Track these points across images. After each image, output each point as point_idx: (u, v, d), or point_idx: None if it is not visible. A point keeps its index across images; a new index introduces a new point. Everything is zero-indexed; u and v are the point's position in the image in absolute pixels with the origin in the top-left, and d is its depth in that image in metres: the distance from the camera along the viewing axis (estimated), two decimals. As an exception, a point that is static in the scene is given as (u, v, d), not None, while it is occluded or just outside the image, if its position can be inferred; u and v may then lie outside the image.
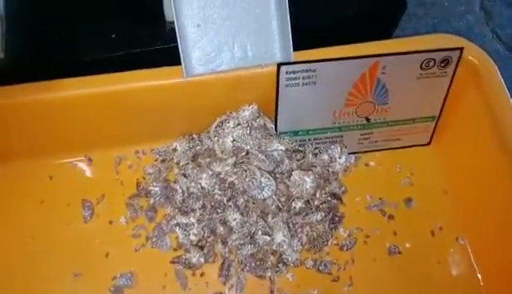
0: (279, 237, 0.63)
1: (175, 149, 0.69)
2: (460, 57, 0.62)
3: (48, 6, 0.66)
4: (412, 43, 0.62)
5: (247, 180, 0.62)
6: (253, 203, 0.64)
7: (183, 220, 0.64)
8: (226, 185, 0.64)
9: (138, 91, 0.62)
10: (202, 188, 0.64)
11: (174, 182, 0.67)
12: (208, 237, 0.64)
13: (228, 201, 0.64)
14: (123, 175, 0.69)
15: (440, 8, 0.84)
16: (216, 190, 0.64)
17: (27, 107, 0.62)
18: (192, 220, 0.64)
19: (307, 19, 0.67)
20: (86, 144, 0.69)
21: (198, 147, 0.68)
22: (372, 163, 0.72)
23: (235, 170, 0.63)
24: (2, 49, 0.63)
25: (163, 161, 0.69)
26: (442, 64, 0.63)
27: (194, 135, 0.69)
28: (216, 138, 0.65)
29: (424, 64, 0.62)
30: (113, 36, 0.64)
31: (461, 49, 0.62)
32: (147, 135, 0.70)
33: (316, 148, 0.70)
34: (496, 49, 0.84)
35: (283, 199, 0.64)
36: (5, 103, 0.61)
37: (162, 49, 0.64)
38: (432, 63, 0.62)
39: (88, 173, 0.69)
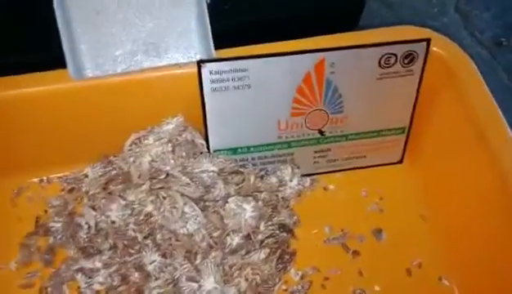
0: (209, 283, 0.49)
1: (86, 176, 0.56)
2: (427, 51, 0.51)
3: None
4: (367, 36, 0.51)
5: (166, 210, 0.49)
6: (177, 240, 0.50)
7: (87, 264, 0.50)
8: (142, 218, 0.50)
9: (31, 100, 0.50)
10: (112, 222, 0.51)
11: (81, 216, 0.53)
12: (119, 286, 0.50)
13: (145, 238, 0.50)
14: (21, 209, 0.56)
15: (409, 9, 0.73)
16: (130, 225, 0.51)
17: None
18: (98, 264, 0.50)
19: (244, 14, 0.55)
20: (-24, 172, 0.56)
21: (113, 172, 0.55)
22: (332, 187, 0.59)
23: (152, 198, 0.50)
24: None
25: (71, 190, 0.56)
26: (406, 61, 0.51)
27: (111, 158, 0.56)
28: (132, 159, 0.53)
29: (383, 61, 0.51)
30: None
31: (428, 40, 0.50)
32: (54, 160, 0.57)
33: (261, 169, 0.57)
34: (477, 52, 0.73)
35: (215, 234, 0.51)
36: None
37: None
38: (393, 59, 0.51)
39: (-22, 207, 0.56)
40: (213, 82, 0.49)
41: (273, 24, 0.59)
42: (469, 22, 0.78)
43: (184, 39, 0.48)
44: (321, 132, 0.55)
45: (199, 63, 0.47)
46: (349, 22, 0.63)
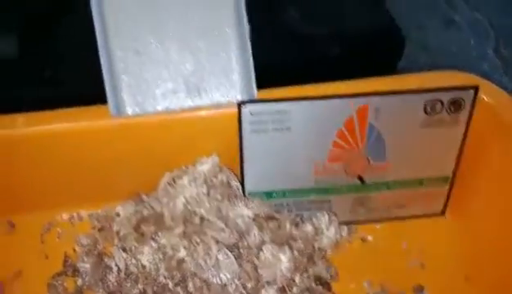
0: (241, 337, 0.46)
1: (118, 215, 0.54)
2: (474, 98, 0.49)
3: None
4: (412, 81, 0.49)
5: (199, 256, 0.47)
6: (209, 290, 0.47)
7: (115, 309, 0.48)
8: (174, 264, 0.48)
9: (68, 135, 0.50)
10: (143, 266, 0.49)
11: (110, 257, 0.51)
12: (146, 334, 0.47)
13: (176, 285, 0.48)
14: (49, 247, 0.55)
15: (446, 52, 0.72)
16: (161, 270, 0.48)
17: None
18: (126, 310, 0.48)
19: (288, 52, 0.55)
20: (8, 205, 0.55)
21: (145, 211, 0.53)
22: (370, 238, 0.56)
23: (185, 243, 0.48)
24: None
25: (101, 229, 0.55)
26: (453, 108, 0.49)
27: (143, 197, 0.55)
28: (165, 199, 0.51)
29: (428, 108, 0.49)
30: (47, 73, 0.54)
31: (476, 88, 0.48)
32: (86, 196, 0.56)
33: (296, 215, 0.55)
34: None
35: (249, 285, 0.48)
36: None
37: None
38: (439, 106, 0.49)
39: (7, 242, 0.55)
40: (252, 123, 0.48)
41: (312, 64, 0.58)
42: (510, 67, 0.76)
43: (225, 78, 0.47)
44: (360, 179, 0.53)
45: (240, 104, 0.46)
46: (388, 64, 0.63)
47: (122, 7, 0.44)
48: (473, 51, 0.74)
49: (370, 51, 0.57)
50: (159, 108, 0.47)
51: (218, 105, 0.48)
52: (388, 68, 0.59)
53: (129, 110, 0.46)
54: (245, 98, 0.47)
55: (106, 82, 0.45)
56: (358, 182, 0.53)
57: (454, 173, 0.54)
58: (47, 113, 0.50)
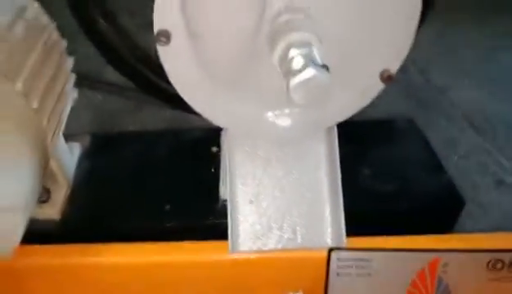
0: None
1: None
2: (532, 262, 0.56)
3: (109, 178, 0.71)
4: (477, 240, 0.58)
5: None
6: None
7: None
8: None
9: (181, 264, 0.60)
10: None
11: None
12: None
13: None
14: None
15: (499, 210, 0.81)
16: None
17: (80, 268, 0.60)
18: None
19: (361, 205, 0.66)
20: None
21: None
22: None
23: None
24: (60, 212, 0.66)
25: None
26: (513, 268, 0.57)
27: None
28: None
29: (490, 265, 0.56)
30: (167, 207, 0.66)
31: (533, 253, 0.56)
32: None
33: None
34: None
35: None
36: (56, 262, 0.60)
37: (213, 224, 0.64)
38: (499, 264, 0.56)
39: None
40: (339, 267, 0.56)
41: (377, 217, 0.68)
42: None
43: (319, 225, 0.57)
44: (430, 326, 0.59)
45: (330, 250, 0.56)
46: (447, 220, 0.72)
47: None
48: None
49: (433, 209, 0.67)
50: (265, 248, 0.57)
51: (310, 248, 0.58)
52: (448, 224, 0.68)
53: (242, 247, 0.56)
54: (335, 245, 0.57)
55: (230, 225, 0.56)
56: (427, 327, 0.59)
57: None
58: (165, 245, 0.60)
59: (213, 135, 0.70)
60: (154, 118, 1.00)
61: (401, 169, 0.70)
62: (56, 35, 0.61)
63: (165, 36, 0.44)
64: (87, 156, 0.74)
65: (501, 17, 1.28)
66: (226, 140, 0.59)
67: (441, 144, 0.84)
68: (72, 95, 0.64)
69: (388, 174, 0.69)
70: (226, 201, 0.61)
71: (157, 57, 0.46)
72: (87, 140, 0.76)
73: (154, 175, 0.71)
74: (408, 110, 1.02)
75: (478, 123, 1.01)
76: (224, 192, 0.66)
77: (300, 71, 0.38)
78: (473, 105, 1.05)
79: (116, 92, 0.97)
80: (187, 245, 0.60)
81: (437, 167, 0.70)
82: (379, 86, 0.50)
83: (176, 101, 0.51)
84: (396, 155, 0.72)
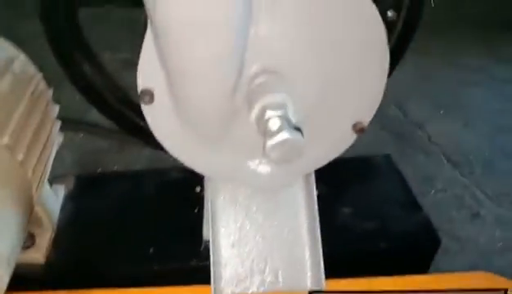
0: None
1: None
2: (504, 300, 0.59)
3: (93, 220, 0.72)
4: (446, 281, 0.60)
5: None
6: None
7: None
8: None
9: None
10: None
11: None
12: None
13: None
14: None
15: (475, 245, 0.84)
16: None
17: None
18: None
19: (337, 247, 0.68)
20: None
21: None
22: None
23: None
24: (44, 255, 0.67)
25: None
26: (486, 307, 0.59)
27: None
28: None
29: (466, 305, 0.59)
30: (151, 250, 0.67)
31: (505, 291, 0.59)
32: None
33: None
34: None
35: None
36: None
37: (197, 267, 0.65)
38: (475, 304, 0.59)
39: None
40: (318, 309, 0.58)
41: (353, 258, 0.70)
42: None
43: (299, 268, 0.59)
44: None
45: (310, 293, 0.58)
46: (424, 259, 0.74)
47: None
48: (498, 242, 0.85)
49: (409, 249, 0.70)
50: (248, 291, 0.58)
51: (291, 291, 0.59)
52: (424, 262, 0.71)
53: (225, 292, 0.58)
54: (315, 287, 0.59)
55: (213, 269, 0.58)
56: None
57: None
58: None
59: (196, 174, 0.72)
60: (139, 156, 1.02)
61: (377, 208, 0.72)
62: (42, 85, 0.62)
63: (149, 95, 0.46)
64: (71, 198, 0.75)
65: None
66: (208, 185, 0.61)
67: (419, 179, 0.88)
68: (57, 140, 0.65)
69: (364, 214, 0.72)
70: (209, 242, 0.62)
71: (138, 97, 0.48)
72: (71, 181, 0.77)
73: (138, 216, 0.72)
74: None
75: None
76: (207, 233, 0.67)
77: (276, 133, 0.40)
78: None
79: (100, 133, 0.99)
80: (170, 290, 0.61)
81: (413, 205, 0.73)
82: (353, 137, 0.52)
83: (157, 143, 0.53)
84: (372, 193, 0.75)
